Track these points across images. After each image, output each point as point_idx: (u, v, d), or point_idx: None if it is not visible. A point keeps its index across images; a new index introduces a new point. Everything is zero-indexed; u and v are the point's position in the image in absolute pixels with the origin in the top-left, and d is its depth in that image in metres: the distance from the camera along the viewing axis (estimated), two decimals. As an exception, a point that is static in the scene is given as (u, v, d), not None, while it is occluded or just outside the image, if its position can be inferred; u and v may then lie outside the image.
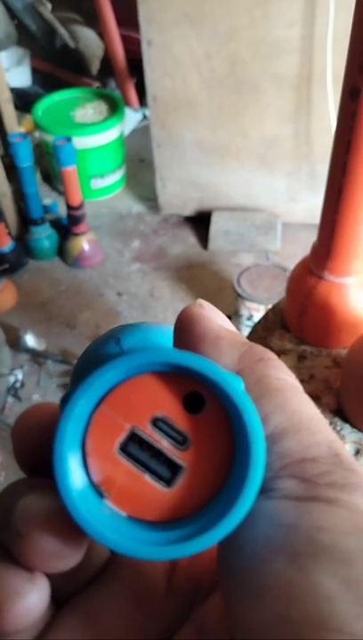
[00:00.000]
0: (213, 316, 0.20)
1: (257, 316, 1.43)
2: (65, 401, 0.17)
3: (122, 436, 0.18)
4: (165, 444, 0.18)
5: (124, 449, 0.18)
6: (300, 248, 1.72)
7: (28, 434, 0.20)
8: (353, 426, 0.66)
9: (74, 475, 0.17)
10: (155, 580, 0.21)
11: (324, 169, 0.63)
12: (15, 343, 1.57)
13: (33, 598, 0.18)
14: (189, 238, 1.90)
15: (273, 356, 0.19)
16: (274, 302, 0.82)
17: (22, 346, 1.56)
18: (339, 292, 0.68)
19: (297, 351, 0.73)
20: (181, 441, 0.18)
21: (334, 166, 0.61)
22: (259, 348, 0.19)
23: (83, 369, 0.23)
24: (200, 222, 1.90)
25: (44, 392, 1.49)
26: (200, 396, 0.18)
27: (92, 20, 2.22)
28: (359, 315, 0.69)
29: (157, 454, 0.18)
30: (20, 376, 1.51)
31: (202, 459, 0.18)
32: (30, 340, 1.56)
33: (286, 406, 0.18)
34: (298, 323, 0.73)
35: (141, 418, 0.18)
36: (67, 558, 0.18)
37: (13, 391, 1.48)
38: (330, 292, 0.68)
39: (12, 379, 1.50)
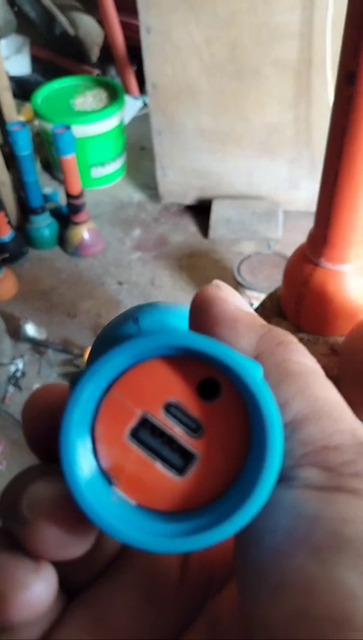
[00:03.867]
0: (230, 298, 0.19)
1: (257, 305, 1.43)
2: (74, 384, 0.17)
3: (133, 422, 0.17)
4: (177, 431, 0.17)
5: (134, 435, 0.17)
6: (301, 236, 1.69)
7: (38, 415, 0.20)
8: (350, 413, 0.66)
9: (82, 461, 0.16)
10: (168, 571, 0.21)
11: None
12: (16, 332, 1.57)
13: (38, 589, 0.17)
14: (190, 227, 1.89)
15: (294, 339, 0.18)
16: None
17: (23, 335, 1.56)
18: (336, 280, 0.68)
19: (294, 339, 0.73)
20: (194, 428, 0.17)
21: (330, 152, 0.60)
22: (279, 331, 0.18)
23: (99, 350, 0.22)
24: (201, 211, 1.89)
25: (45, 381, 1.49)
26: (215, 382, 0.17)
27: (92, 6, 2.20)
28: (356, 302, 0.69)
29: (170, 441, 0.17)
30: (20, 365, 1.52)
31: (216, 447, 0.17)
32: (31, 330, 1.56)
33: (307, 392, 0.17)
34: (295, 310, 0.73)
35: (154, 403, 0.17)
36: (73, 547, 0.17)
37: (14, 380, 1.49)
38: (327, 280, 0.68)
39: (12, 368, 1.51)
